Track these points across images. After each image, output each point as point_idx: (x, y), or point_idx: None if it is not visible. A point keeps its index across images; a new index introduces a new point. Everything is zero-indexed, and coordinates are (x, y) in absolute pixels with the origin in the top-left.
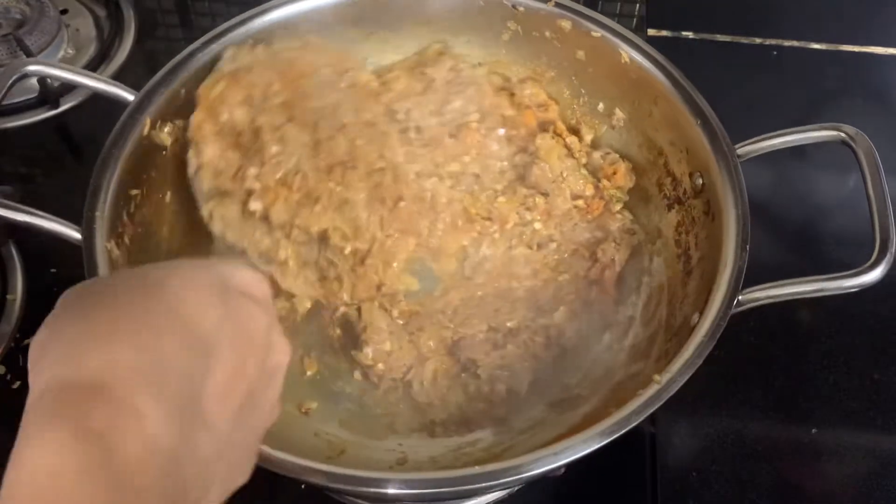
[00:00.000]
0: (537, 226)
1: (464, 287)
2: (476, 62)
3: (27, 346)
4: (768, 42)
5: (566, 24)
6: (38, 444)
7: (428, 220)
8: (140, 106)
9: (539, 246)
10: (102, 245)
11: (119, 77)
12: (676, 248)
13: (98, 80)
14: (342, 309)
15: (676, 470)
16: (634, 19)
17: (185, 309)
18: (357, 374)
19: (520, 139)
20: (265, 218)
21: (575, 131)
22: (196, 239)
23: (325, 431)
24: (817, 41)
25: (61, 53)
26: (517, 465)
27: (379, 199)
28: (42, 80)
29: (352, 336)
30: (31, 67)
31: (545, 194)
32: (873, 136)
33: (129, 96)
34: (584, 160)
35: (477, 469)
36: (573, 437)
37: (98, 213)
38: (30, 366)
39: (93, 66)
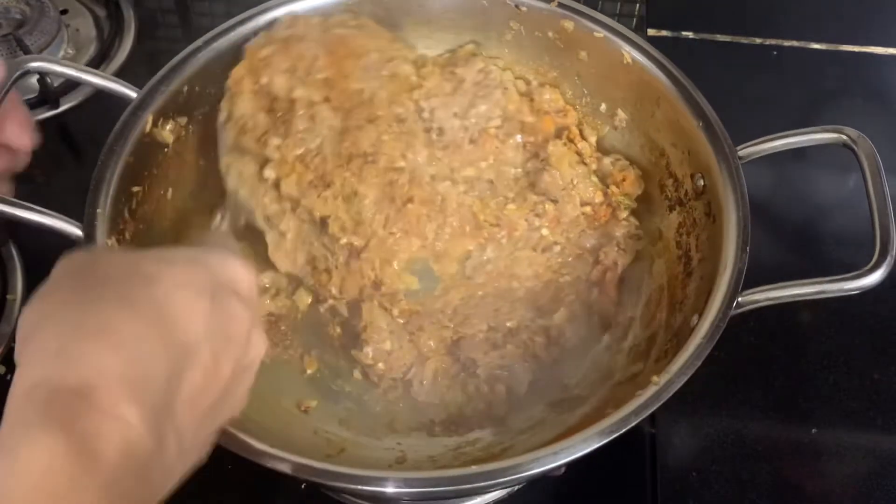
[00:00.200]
0: (545, 232)
1: (464, 286)
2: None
3: None
4: (768, 42)
5: (569, 25)
6: (31, 447)
7: (435, 224)
8: (142, 103)
9: (543, 249)
10: (103, 241)
11: (120, 77)
12: (677, 249)
13: (101, 76)
14: (330, 302)
15: (676, 470)
16: (634, 19)
17: (173, 310)
18: (357, 373)
19: (533, 145)
20: (276, 186)
21: (580, 133)
22: (197, 235)
23: (324, 430)
24: (817, 41)
25: (61, 53)
26: (516, 465)
27: (389, 197)
28: (42, 79)
29: (352, 335)
30: (34, 64)
31: (555, 201)
32: (873, 137)
33: (132, 93)
34: (594, 166)
35: (475, 468)
36: (572, 436)
37: (99, 210)
38: (18, 342)
39: (93, 66)
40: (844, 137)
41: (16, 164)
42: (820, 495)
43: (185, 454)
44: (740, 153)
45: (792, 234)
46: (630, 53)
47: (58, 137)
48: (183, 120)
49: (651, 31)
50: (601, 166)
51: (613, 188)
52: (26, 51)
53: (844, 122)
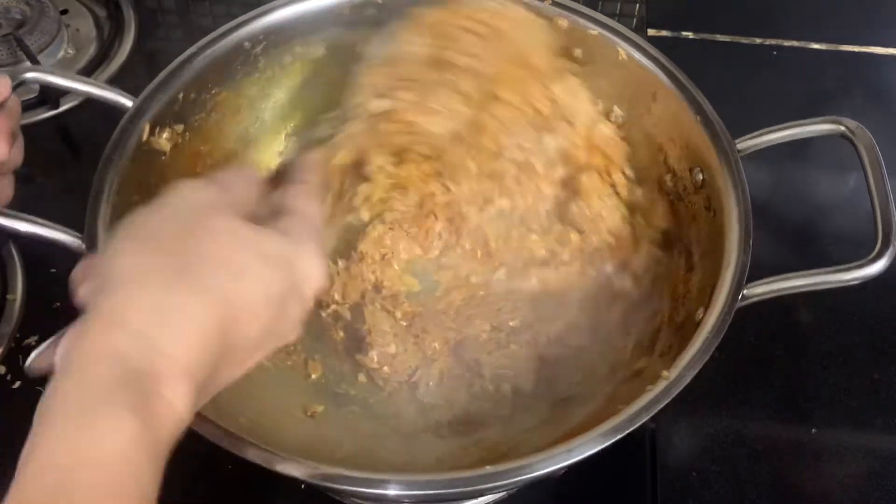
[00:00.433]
0: (564, 257)
1: (465, 287)
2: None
3: (27, 346)
4: (768, 42)
5: (563, 23)
6: (114, 426)
7: (443, 243)
8: (138, 111)
9: (556, 267)
10: None
11: (120, 77)
12: (678, 243)
13: (95, 86)
14: (333, 307)
15: (676, 470)
16: (634, 19)
17: (243, 316)
18: (362, 377)
19: (569, 176)
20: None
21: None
22: None
23: (330, 434)
24: (817, 41)
25: (61, 54)
26: (527, 465)
27: (418, 205)
28: None
29: (356, 339)
30: (29, 75)
31: (580, 231)
32: (873, 136)
33: (128, 102)
34: (625, 197)
35: (490, 469)
36: (585, 433)
37: (100, 222)
38: (84, 292)
39: (93, 67)
40: (843, 128)
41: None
42: (820, 495)
43: None
44: (739, 146)
45: (791, 233)
46: (625, 49)
47: (58, 138)
48: (179, 127)
49: (651, 31)
50: (633, 197)
51: (640, 219)
52: (26, 51)
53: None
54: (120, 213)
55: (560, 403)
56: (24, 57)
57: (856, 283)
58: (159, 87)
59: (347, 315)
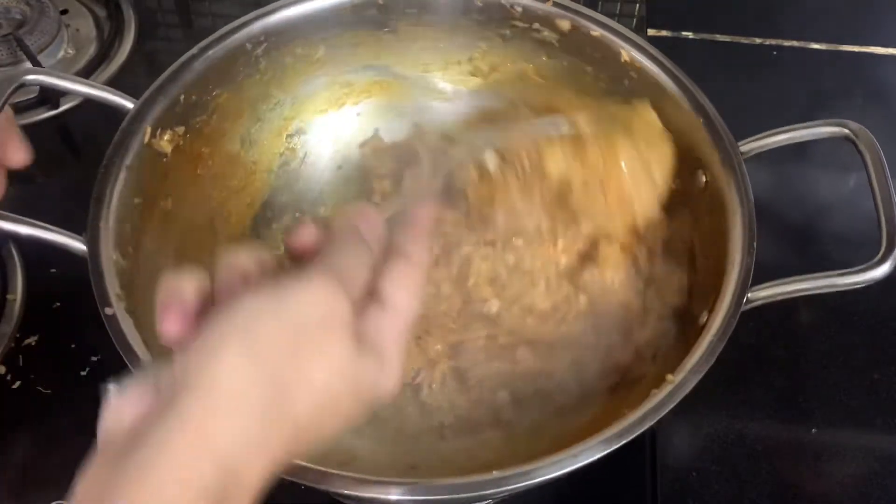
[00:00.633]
0: (568, 317)
1: (465, 288)
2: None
3: (27, 346)
4: (768, 42)
5: (565, 24)
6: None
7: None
8: (139, 113)
9: (556, 325)
10: (108, 256)
11: (120, 77)
12: (681, 246)
13: (95, 87)
14: None
15: (676, 470)
16: (634, 19)
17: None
18: None
19: (589, 249)
20: None
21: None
22: (199, 241)
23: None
24: (817, 41)
25: (61, 54)
26: (532, 470)
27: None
28: None
29: None
30: (30, 77)
31: (590, 296)
32: (873, 135)
33: (127, 103)
34: (645, 271)
35: (496, 474)
36: (590, 438)
37: (102, 224)
38: (202, 355)
39: (93, 67)
40: (846, 131)
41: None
42: (820, 495)
43: None
44: (742, 148)
45: (792, 234)
46: (627, 51)
47: (58, 138)
48: (181, 129)
49: (651, 31)
50: (652, 272)
51: (653, 293)
52: (26, 51)
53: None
54: (121, 215)
55: (563, 408)
56: (24, 57)
57: (860, 286)
58: (160, 89)
59: None
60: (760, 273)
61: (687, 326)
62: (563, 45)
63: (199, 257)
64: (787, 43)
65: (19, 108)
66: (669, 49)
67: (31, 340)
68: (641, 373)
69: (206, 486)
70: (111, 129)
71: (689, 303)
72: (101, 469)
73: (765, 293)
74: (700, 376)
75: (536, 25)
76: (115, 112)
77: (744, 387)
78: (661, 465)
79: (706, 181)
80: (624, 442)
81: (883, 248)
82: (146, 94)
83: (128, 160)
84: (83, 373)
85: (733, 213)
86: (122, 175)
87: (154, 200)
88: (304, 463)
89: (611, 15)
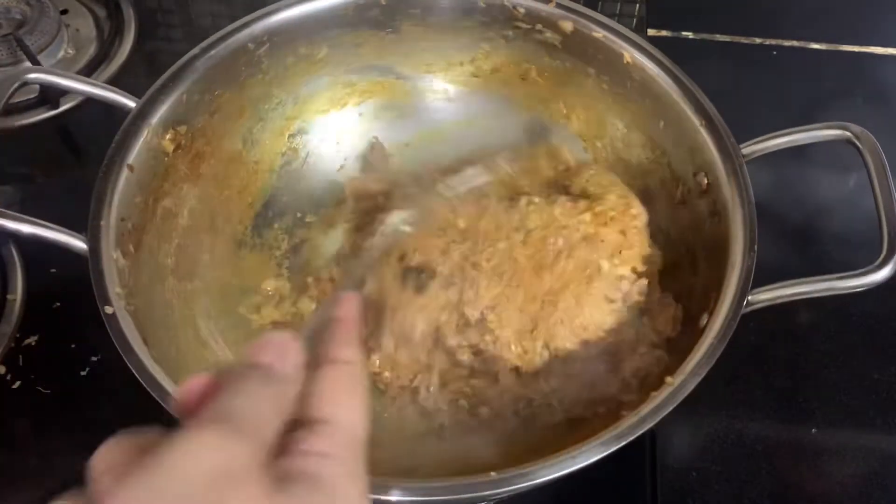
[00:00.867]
0: (555, 345)
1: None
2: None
3: (27, 346)
4: (768, 42)
5: (567, 25)
6: None
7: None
8: (141, 113)
9: (540, 352)
10: (109, 255)
11: (120, 77)
12: (681, 248)
13: (96, 86)
14: None
15: (676, 470)
16: (634, 19)
17: None
18: None
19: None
20: None
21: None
22: (200, 240)
23: None
24: (817, 41)
25: (61, 54)
26: (531, 471)
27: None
28: None
29: None
30: (32, 75)
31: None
32: (873, 135)
33: (129, 102)
34: (635, 297)
35: (494, 475)
36: (589, 440)
37: (103, 223)
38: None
39: (93, 67)
40: (848, 134)
41: None
42: (820, 495)
43: None
44: (744, 151)
45: (792, 235)
46: (630, 53)
47: (58, 138)
48: (182, 128)
49: (651, 32)
50: (648, 302)
51: (645, 321)
52: (26, 51)
53: (844, 121)
54: (122, 214)
55: (543, 427)
56: (24, 57)
57: (862, 289)
58: (162, 89)
59: None
60: (761, 274)
61: (687, 328)
62: (565, 46)
63: (199, 257)
64: (786, 43)
65: (19, 108)
66: (669, 49)
67: (31, 340)
68: (628, 401)
69: None
70: (111, 128)
71: (689, 304)
72: None
73: (765, 296)
74: (699, 379)
75: (539, 27)
76: (115, 112)
77: (744, 387)
78: (661, 465)
79: (707, 183)
80: (622, 444)
81: (883, 253)
82: (148, 92)
83: (129, 159)
84: (83, 373)
85: (734, 216)
86: (124, 173)
87: (155, 199)
88: None
89: (611, 15)
